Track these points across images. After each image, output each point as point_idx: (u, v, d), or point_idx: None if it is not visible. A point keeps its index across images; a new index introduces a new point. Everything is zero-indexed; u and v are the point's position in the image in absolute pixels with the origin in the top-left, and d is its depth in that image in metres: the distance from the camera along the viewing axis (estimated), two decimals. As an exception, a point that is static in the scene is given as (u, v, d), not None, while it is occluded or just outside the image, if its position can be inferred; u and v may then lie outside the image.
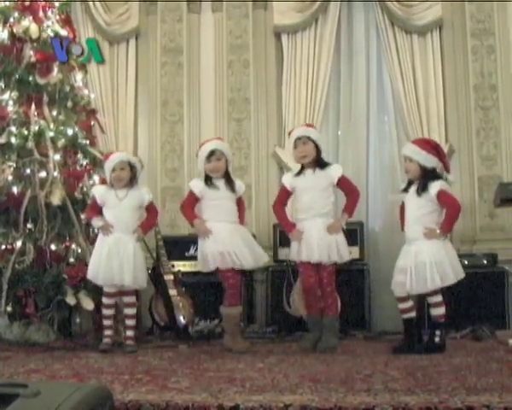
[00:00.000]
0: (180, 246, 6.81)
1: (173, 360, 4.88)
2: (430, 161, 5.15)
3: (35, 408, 2.49)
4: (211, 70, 7.64)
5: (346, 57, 7.58)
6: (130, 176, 5.63)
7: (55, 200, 6.06)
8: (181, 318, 6.11)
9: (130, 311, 5.62)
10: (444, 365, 4.38)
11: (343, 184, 5.51)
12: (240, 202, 5.63)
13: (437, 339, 5.13)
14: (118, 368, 4.48)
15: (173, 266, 6.50)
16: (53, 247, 6.02)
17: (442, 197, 5.12)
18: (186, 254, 6.77)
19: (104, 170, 5.68)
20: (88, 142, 6.59)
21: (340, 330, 6.08)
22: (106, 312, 5.58)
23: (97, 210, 5.61)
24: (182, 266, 6.71)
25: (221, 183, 5.47)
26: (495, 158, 7.07)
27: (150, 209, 5.81)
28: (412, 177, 5.23)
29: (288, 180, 5.52)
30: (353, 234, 6.43)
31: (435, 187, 5.08)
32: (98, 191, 5.65)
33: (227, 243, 5.32)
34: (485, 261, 6.57)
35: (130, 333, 5.57)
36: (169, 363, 4.74)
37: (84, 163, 6.50)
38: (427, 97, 7.22)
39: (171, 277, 6.30)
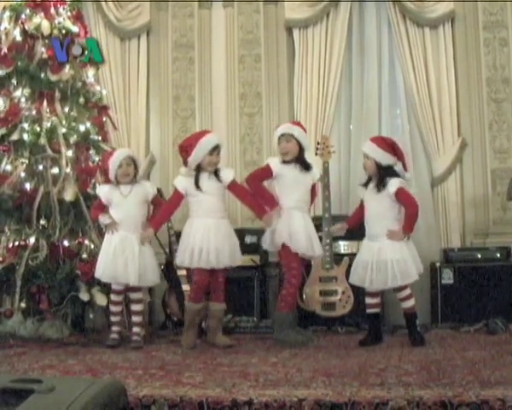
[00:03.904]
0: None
1: (187, 355, 4.89)
2: (386, 158, 5.29)
3: (50, 403, 2.50)
4: (222, 65, 7.63)
5: (358, 51, 7.55)
6: (134, 172, 5.66)
7: (68, 196, 6.07)
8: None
9: (137, 307, 5.64)
10: (457, 359, 4.38)
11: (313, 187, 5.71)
12: (235, 188, 5.64)
13: (419, 328, 5.37)
14: (131, 363, 4.49)
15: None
16: (66, 243, 6.03)
17: (400, 196, 5.27)
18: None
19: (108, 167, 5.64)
20: (100, 138, 6.58)
21: (353, 324, 6.13)
22: (113, 308, 5.62)
23: (103, 209, 5.65)
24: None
25: (212, 176, 5.46)
26: (508, 151, 7.05)
27: (156, 203, 5.82)
28: (370, 173, 5.37)
29: (275, 165, 5.52)
30: (365, 229, 6.41)
31: (394, 185, 5.24)
32: (102, 191, 5.66)
33: (204, 240, 5.34)
34: (498, 255, 6.56)
35: (136, 329, 5.59)
36: (182, 358, 4.76)
37: (97, 159, 6.49)
38: (440, 91, 7.20)
39: (184, 272, 6.30)
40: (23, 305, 5.83)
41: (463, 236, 7.11)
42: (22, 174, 6.10)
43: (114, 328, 5.59)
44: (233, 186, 5.58)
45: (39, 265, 5.87)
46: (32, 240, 5.94)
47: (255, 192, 5.58)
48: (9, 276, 5.86)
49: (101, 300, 5.86)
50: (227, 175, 5.53)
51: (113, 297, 5.62)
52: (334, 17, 7.39)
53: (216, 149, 5.45)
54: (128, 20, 7.70)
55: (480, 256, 6.60)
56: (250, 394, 3.24)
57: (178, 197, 5.55)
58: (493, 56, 7.11)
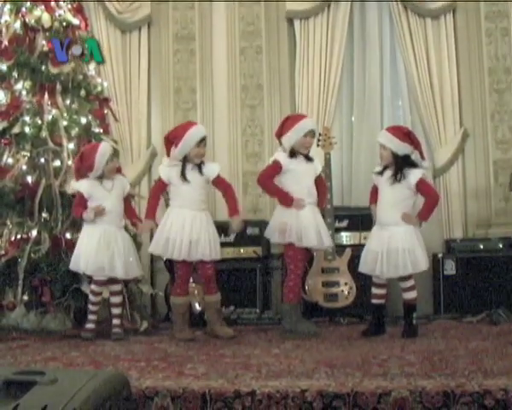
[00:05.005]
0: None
1: (189, 347, 4.90)
2: (402, 148, 5.22)
3: (52, 395, 2.51)
4: (223, 57, 7.61)
5: (360, 42, 7.54)
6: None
7: (70, 189, 6.07)
8: (196, 305, 6.13)
9: (117, 299, 5.65)
10: (460, 349, 4.38)
11: (320, 179, 5.67)
12: (220, 183, 5.59)
13: (414, 321, 5.27)
14: (134, 355, 4.50)
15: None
16: (68, 236, 6.03)
17: (422, 186, 5.24)
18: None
19: (96, 161, 5.52)
20: (101, 130, 6.58)
21: (356, 316, 6.13)
22: (93, 298, 5.61)
23: (85, 205, 5.60)
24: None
25: (195, 168, 5.42)
26: (510, 141, 7.04)
27: (129, 199, 5.88)
28: (386, 163, 5.31)
29: (283, 159, 5.48)
30: (367, 220, 6.41)
31: (416, 176, 5.20)
32: (83, 186, 5.59)
33: (178, 231, 5.32)
34: (500, 245, 6.57)
35: (116, 321, 5.61)
36: (185, 349, 4.76)
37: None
38: (441, 81, 7.18)
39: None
40: (26, 298, 5.83)
41: (466, 226, 7.10)
42: (24, 167, 6.10)
43: (92, 317, 5.59)
44: (218, 181, 5.55)
45: (41, 258, 5.88)
46: (34, 233, 5.95)
47: (271, 193, 5.65)
48: (12, 269, 5.86)
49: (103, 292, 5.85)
50: (212, 170, 5.50)
51: (93, 287, 5.60)
52: (335, 8, 7.35)
53: (203, 141, 5.43)
54: (129, 13, 7.68)
55: (482, 247, 6.60)
56: (253, 385, 3.24)
57: (161, 186, 5.58)
58: (495, 46, 7.09)
